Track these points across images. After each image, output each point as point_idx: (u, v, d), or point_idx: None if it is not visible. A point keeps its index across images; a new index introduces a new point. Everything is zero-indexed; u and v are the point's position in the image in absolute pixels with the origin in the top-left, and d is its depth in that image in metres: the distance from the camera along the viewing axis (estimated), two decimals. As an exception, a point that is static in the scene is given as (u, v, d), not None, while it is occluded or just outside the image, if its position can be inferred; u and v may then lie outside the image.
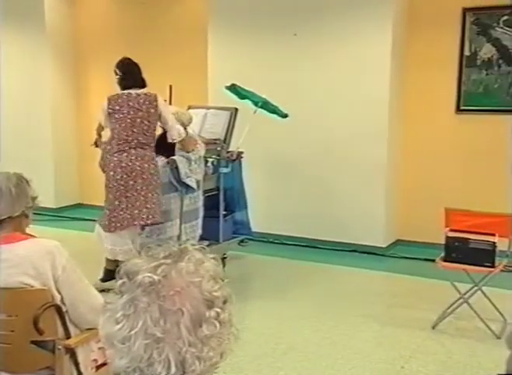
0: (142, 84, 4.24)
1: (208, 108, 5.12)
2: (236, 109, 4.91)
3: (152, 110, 4.15)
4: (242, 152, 4.91)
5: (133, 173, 4.10)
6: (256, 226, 5.26)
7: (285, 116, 5.04)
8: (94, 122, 6.98)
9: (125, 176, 4.09)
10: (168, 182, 4.33)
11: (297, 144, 5.67)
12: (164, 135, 4.43)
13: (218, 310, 0.94)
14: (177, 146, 4.40)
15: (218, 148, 4.80)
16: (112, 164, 4.12)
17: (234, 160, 4.85)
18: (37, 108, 6.93)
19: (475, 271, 3.72)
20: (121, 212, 4.10)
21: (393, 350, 3.53)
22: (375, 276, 4.96)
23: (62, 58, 7.00)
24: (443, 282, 3.91)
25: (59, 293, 2.05)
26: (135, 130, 4.11)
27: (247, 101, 4.97)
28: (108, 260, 4.34)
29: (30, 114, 6.96)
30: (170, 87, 5.05)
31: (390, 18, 5.20)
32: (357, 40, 5.33)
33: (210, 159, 4.68)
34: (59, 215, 6.73)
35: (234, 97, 4.97)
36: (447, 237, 3.78)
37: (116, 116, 4.12)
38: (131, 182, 4.09)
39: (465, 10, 5.20)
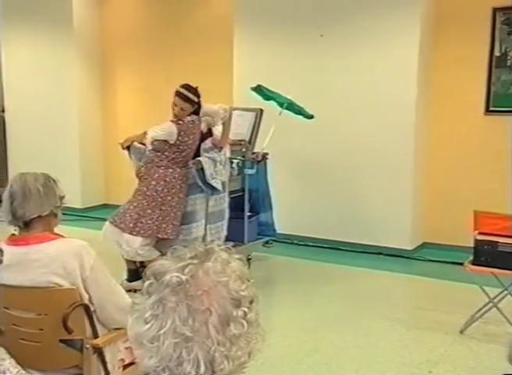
0: None
1: (233, 108, 5.13)
2: (262, 110, 4.93)
3: (201, 127, 4.36)
4: (267, 154, 4.92)
5: (173, 190, 4.25)
6: (281, 227, 5.27)
7: (311, 117, 5.03)
8: (120, 122, 7.12)
9: (165, 190, 4.24)
10: (193, 183, 4.37)
11: (323, 146, 5.66)
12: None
13: (246, 309, 0.95)
14: (202, 147, 4.43)
15: (244, 149, 4.82)
16: (156, 175, 4.25)
17: (259, 161, 4.86)
18: (64, 108, 7.04)
19: (505, 275, 3.66)
20: (149, 221, 4.20)
21: (420, 354, 3.50)
22: (401, 279, 4.92)
23: (89, 59, 7.10)
24: (471, 286, 3.86)
25: (87, 292, 2.09)
26: (188, 156, 4.32)
27: (272, 102, 4.98)
28: (127, 261, 4.38)
29: (57, 114, 7.07)
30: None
31: (418, 18, 5.15)
32: (384, 40, 5.30)
33: (235, 160, 4.71)
34: (85, 215, 6.83)
35: (259, 98, 4.98)
36: (476, 241, 3.73)
37: (181, 147, 4.25)
38: (169, 197, 4.24)
39: (495, 10, 5.13)
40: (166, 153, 4.26)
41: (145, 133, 4.30)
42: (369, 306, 4.25)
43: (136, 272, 4.36)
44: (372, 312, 4.13)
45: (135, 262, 4.39)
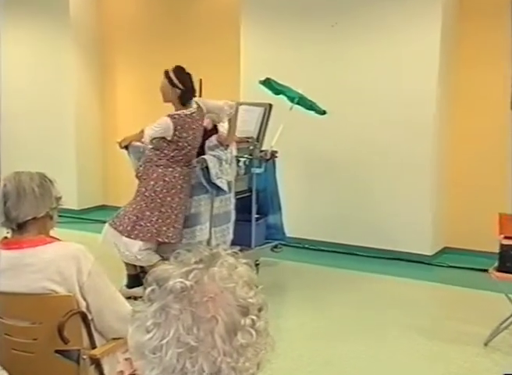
0: (194, 97, 4.37)
1: (240, 103, 5.14)
2: (271, 105, 4.93)
3: (203, 124, 4.37)
4: (276, 152, 4.92)
5: (173, 191, 4.26)
6: (290, 230, 5.26)
7: (323, 112, 5.03)
8: (119, 118, 7.14)
9: (164, 190, 4.24)
10: (197, 183, 4.38)
11: (336, 143, 5.66)
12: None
13: (254, 318, 0.95)
14: (206, 144, 4.44)
15: (251, 147, 4.82)
16: (155, 174, 4.26)
17: (268, 160, 4.86)
18: (60, 103, 7.07)
19: (532, 282, 3.65)
20: (148, 224, 4.21)
21: (441, 367, 3.50)
22: (420, 286, 4.91)
23: (86, 52, 7.13)
24: (497, 294, 3.84)
25: (85, 300, 2.10)
26: (189, 153, 4.32)
27: (282, 96, 4.98)
28: (127, 265, 4.40)
29: (53, 110, 7.10)
30: (200, 81, 5.07)
31: (440, 6, 5.13)
32: (402, 29, 5.29)
33: (242, 159, 4.71)
34: (82, 217, 6.85)
35: (268, 92, 4.99)
36: (501, 245, 3.71)
37: (180, 144, 4.25)
38: (169, 198, 4.24)
39: (522, -4, 5.10)
40: (165, 151, 4.26)
41: (142, 132, 4.31)
42: (386, 315, 4.24)
43: (136, 277, 4.37)
44: (389, 322, 4.12)
45: (135, 266, 4.41)
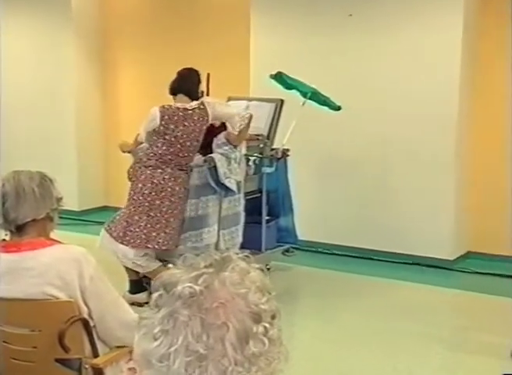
0: (195, 97, 4.30)
1: (250, 99, 5.15)
2: (282, 101, 4.94)
3: (204, 127, 4.29)
4: (288, 150, 4.93)
5: (162, 193, 4.20)
6: (303, 233, 5.27)
7: (337, 108, 5.03)
8: (122, 115, 7.17)
9: (153, 193, 4.20)
10: (205, 183, 4.39)
11: (352, 141, 5.65)
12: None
13: (267, 325, 0.95)
14: (214, 142, 4.45)
15: (261, 145, 4.83)
16: (143, 176, 4.23)
17: (279, 159, 4.87)
18: (60, 100, 7.10)
19: (561, 289, 3.64)
20: (137, 230, 4.19)
21: (463, 379, 3.49)
22: (441, 293, 4.90)
23: (88, 46, 7.16)
24: (523, 302, 3.83)
25: (86, 306, 2.11)
26: (181, 154, 4.25)
27: (294, 91, 4.99)
28: (128, 271, 4.41)
29: (54, 107, 7.13)
30: (208, 75, 5.08)
31: (461, 0, 5.12)
32: (422, 21, 5.27)
33: (252, 158, 4.72)
34: (83, 218, 6.88)
35: (280, 87, 5.00)
36: (528, 250, 3.70)
37: (167, 137, 4.20)
38: (158, 202, 4.20)
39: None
40: (155, 148, 4.23)
41: (138, 135, 4.34)
42: (405, 324, 4.23)
43: (139, 283, 4.39)
44: (409, 332, 4.11)
45: (137, 272, 4.42)
